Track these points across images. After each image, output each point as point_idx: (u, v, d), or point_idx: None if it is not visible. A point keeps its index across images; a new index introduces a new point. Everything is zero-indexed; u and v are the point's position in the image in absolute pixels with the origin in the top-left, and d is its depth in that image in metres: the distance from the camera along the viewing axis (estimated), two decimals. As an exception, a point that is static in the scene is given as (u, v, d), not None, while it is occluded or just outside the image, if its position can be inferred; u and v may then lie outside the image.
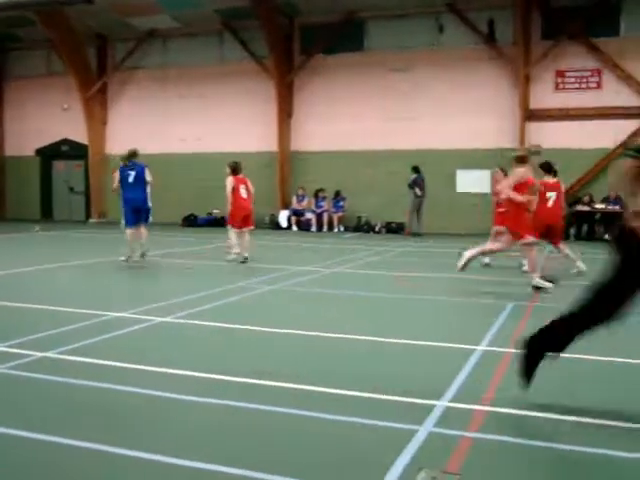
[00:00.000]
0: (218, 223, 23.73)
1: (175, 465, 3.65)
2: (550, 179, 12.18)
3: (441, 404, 4.63)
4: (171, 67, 26.25)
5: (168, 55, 26.44)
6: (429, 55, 23.05)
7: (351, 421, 4.33)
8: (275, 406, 4.58)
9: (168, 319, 7.53)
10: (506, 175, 14.13)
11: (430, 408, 4.53)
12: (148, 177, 12.88)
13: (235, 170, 13.49)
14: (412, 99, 23.27)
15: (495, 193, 13.86)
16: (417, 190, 21.67)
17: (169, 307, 8.22)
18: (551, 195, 11.94)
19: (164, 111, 26.25)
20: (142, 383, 5.10)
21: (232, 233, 13.27)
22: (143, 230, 12.92)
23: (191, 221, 24.71)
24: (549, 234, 11.68)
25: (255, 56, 24.45)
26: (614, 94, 21.57)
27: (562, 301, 9.19)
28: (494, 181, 14.22)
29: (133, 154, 13.07)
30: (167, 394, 4.85)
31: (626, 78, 21.40)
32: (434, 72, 23.02)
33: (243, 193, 13.36)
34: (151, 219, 13.24)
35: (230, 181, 13.31)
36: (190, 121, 25.76)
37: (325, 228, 23.47)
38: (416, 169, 21.87)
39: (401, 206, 22.04)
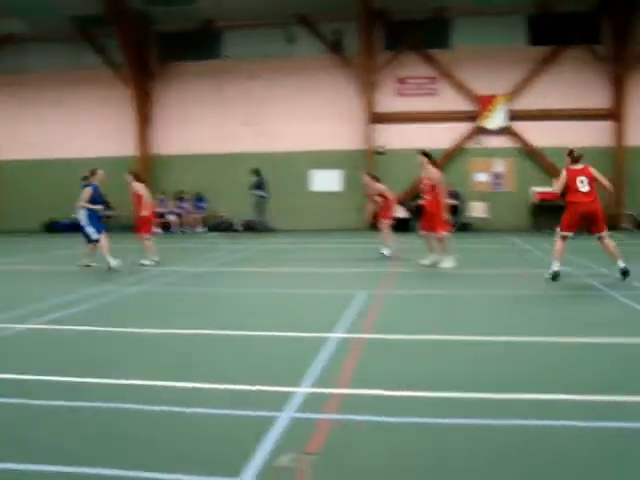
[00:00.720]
0: (79, 228, 22.73)
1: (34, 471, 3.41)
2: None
3: (301, 390, 4.61)
4: (26, 72, 24.77)
5: (23, 60, 24.92)
6: (282, 63, 23.19)
7: (212, 413, 4.21)
8: (134, 404, 4.39)
9: (28, 326, 7.07)
10: (375, 179, 14.46)
11: (291, 395, 4.50)
12: (81, 198, 12.01)
13: (139, 177, 13.17)
14: (267, 105, 23.35)
15: (374, 193, 14.30)
16: (260, 191, 21.84)
17: (27, 314, 7.73)
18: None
19: (19, 117, 24.81)
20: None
21: (150, 242, 12.78)
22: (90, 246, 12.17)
23: (51, 227, 23.48)
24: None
25: (111, 63, 23.58)
26: (449, 100, 22.66)
27: (416, 288, 9.54)
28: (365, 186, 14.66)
29: (88, 174, 12.43)
30: (24, 401, 4.54)
31: (458, 86, 22.53)
32: (287, 79, 23.22)
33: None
34: (95, 237, 11.92)
35: (143, 187, 12.93)
36: (47, 127, 24.49)
37: (187, 229, 23.06)
38: (256, 172, 22.00)
39: (268, 205, 22.15)
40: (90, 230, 11.94)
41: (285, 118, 23.31)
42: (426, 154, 11.54)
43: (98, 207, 12.04)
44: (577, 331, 6.50)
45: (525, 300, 8.52)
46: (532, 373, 5.10)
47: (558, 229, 9.91)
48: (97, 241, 11.91)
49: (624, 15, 21.20)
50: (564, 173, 9.90)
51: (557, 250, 9.81)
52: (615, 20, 21.72)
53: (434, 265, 11.37)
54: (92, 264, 12.07)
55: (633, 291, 8.73)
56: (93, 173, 12.27)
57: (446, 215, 11.38)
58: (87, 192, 11.93)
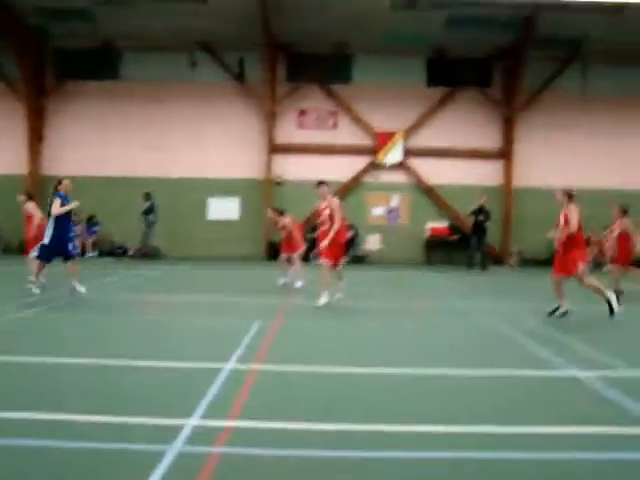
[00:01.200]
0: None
1: None
2: None
3: (190, 423, 4.49)
4: None
5: None
6: (185, 88, 22.99)
7: (97, 447, 4.03)
8: (7, 439, 4.17)
9: None
10: (280, 213, 14.34)
11: (179, 428, 4.37)
12: (53, 208, 11.24)
13: (32, 197, 12.92)
14: (169, 129, 23.06)
15: (280, 227, 14.19)
16: (151, 216, 21.48)
17: None
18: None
19: None
20: None
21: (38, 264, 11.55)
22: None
23: None
24: None
25: (4, 76, 22.62)
26: (348, 134, 23.14)
27: (312, 319, 9.55)
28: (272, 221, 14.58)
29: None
30: None
31: (358, 120, 23.06)
32: (190, 105, 23.04)
33: None
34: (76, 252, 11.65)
35: (35, 207, 12.62)
36: None
37: (78, 253, 22.21)
38: (148, 196, 21.62)
39: (156, 230, 21.69)
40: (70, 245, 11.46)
41: (186, 144, 23.06)
42: (324, 183, 11.23)
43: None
44: (467, 363, 6.70)
45: (425, 331, 8.72)
46: (430, 405, 5.19)
47: (583, 266, 9.93)
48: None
49: (513, 63, 22.43)
50: (577, 211, 9.99)
51: (597, 284, 9.99)
52: (505, 67, 22.97)
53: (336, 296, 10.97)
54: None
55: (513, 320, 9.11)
56: (59, 182, 11.67)
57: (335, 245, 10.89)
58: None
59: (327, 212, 10.87)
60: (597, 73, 22.99)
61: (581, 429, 4.60)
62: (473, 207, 20.55)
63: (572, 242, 9.92)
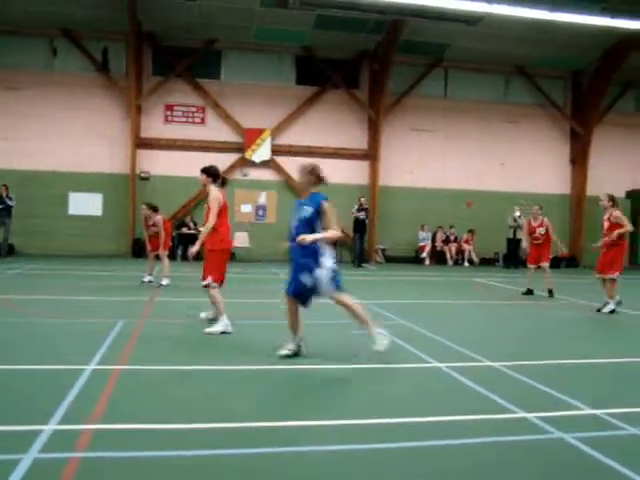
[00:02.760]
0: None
1: None
2: None
3: (48, 428, 4.28)
4: None
5: None
6: (44, 76, 21.93)
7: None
8: None
9: None
10: (154, 210, 13.78)
11: (36, 433, 4.16)
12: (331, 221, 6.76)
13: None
14: (27, 119, 21.85)
15: (148, 226, 13.68)
16: (3, 210, 20.15)
17: None
18: None
19: None
20: None
21: None
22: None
23: None
24: None
25: None
26: (216, 130, 22.94)
27: (176, 318, 9.36)
28: (144, 217, 13.80)
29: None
30: None
31: (226, 117, 22.90)
32: (50, 95, 21.99)
33: None
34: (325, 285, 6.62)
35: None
36: None
37: None
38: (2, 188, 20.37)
39: (16, 226, 20.49)
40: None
41: (45, 135, 21.94)
42: (212, 174, 8.53)
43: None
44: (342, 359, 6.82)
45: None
46: (281, 401, 5.23)
47: (617, 274, 10.93)
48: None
49: (380, 66, 23.09)
50: (622, 215, 10.94)
51: (615, 290, 11.02)
52: (372, 70, 23.61)
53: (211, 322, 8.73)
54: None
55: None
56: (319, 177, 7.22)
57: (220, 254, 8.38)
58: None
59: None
60: (458, 79, 24.28)
61: (445, 418, 4.82)
62: (356, 206, 21.12)
63: (614, 244, 11.00)
